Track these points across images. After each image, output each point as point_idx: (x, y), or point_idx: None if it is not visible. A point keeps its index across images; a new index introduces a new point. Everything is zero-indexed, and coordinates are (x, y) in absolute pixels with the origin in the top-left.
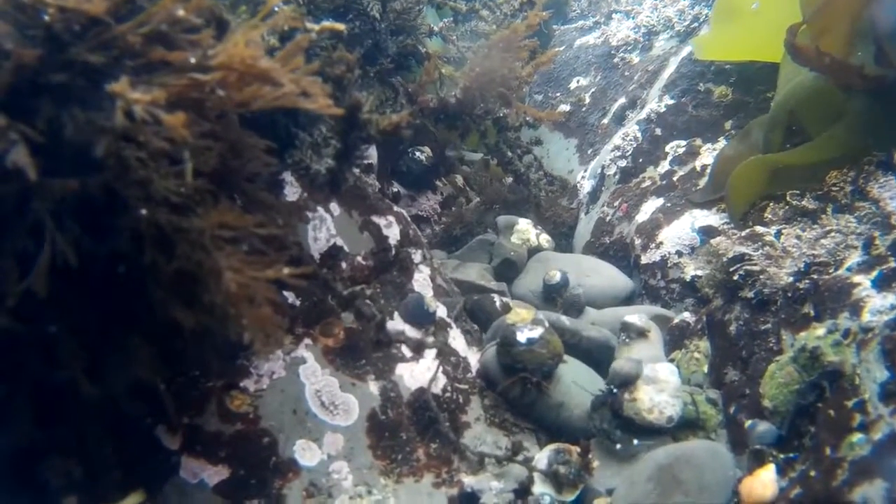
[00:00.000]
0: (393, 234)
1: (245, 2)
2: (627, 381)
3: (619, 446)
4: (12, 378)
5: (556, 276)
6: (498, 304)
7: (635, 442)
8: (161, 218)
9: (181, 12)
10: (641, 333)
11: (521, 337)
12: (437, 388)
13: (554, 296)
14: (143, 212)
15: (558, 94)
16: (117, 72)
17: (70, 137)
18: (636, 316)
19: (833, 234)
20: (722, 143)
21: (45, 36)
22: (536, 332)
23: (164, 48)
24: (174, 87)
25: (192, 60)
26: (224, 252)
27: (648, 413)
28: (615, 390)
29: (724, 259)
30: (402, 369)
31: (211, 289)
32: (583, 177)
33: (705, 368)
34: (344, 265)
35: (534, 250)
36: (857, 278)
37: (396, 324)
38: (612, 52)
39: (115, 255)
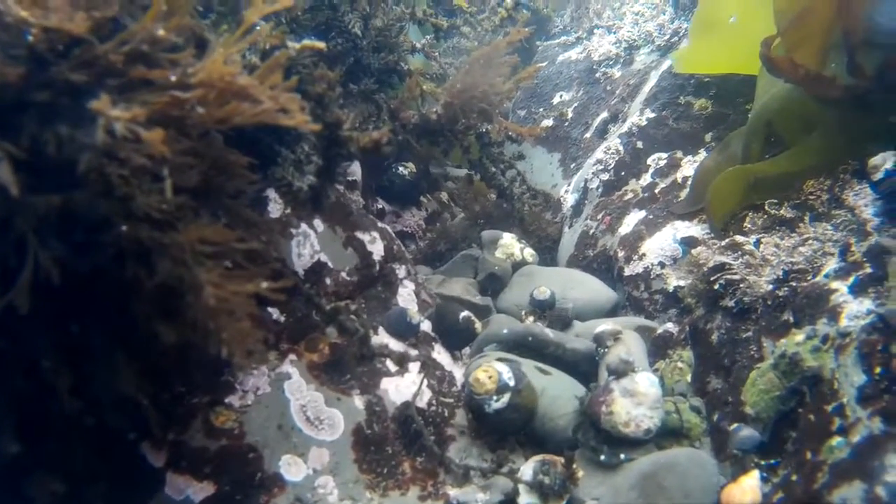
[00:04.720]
0: (377, 249)
1: (227, 21)
2: (623, 373)
3: (603, 457)
4: None
5: (546, 293)
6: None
7: (622, 457)
8: (142, 233)
9: (161, 32)
10: (615, 336)
11: (489, 409)
12: (422, 402)
13: (541, 311)
14: (124, 228)
15: (541, 110)
16: (99, 90)
17: (53, 155)
18: (603, 324)
19: (811, 241)
20: (702, 155)
21: (28, 55)
22: (502, 402)
23: (145, 67)
24: (155, 105)
25: (173, 78)
26: (204, 267)
27: (625, 427)
28: (612, 378)
29: (706, 269)
30: (387, 383)
31: (191, 303)
32: (566, 190)
33: (689, 377)
34: (328, 281)
35: (518, 264)
36: (834, 284)
37: (381, 338)
38: (594, 66)
39: (98, 270)
